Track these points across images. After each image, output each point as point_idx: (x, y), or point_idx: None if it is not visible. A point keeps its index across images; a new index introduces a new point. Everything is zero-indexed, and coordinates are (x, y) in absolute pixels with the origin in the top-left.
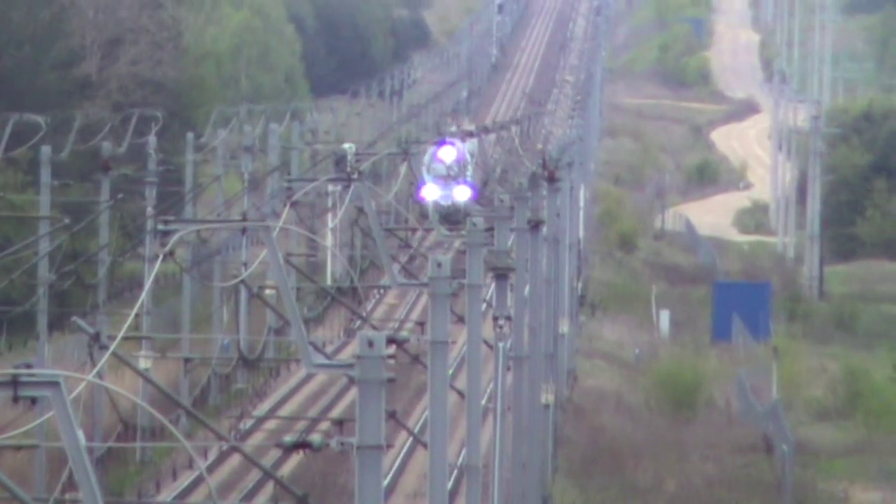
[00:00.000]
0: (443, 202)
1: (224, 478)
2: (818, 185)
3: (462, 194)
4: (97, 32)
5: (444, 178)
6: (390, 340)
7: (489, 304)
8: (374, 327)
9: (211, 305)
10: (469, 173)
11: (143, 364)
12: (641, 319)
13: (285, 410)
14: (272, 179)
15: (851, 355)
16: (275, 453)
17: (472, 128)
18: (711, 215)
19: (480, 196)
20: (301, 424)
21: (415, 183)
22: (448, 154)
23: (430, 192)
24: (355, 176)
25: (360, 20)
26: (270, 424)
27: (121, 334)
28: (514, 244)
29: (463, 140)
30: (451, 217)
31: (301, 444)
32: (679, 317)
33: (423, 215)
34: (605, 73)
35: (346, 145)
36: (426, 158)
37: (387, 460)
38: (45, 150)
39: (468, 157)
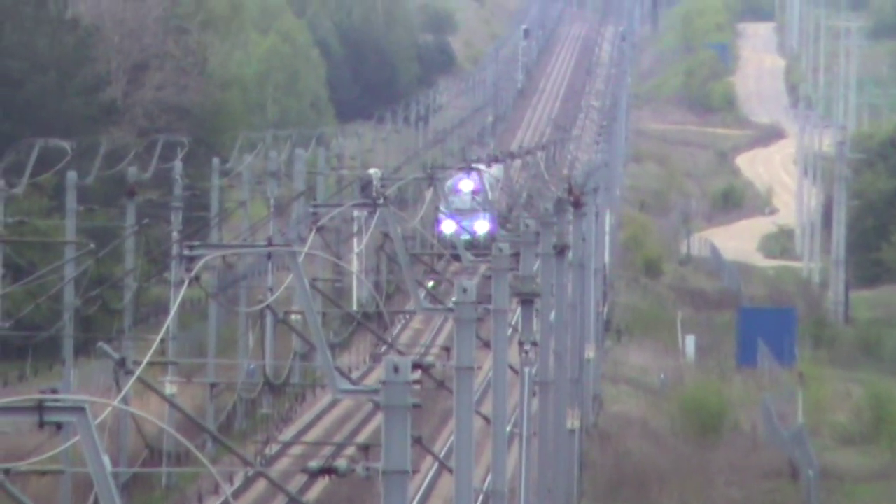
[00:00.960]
0: (462, 237)
1: (249, 503)
2: (844, 210)
3: (481, 228)
4: (122, 58)
5: (463, 212)
6: (416, 366)
7: (515, 330)
8: (399, 353)
9: (236, 331)
10: (488, 205)
11: (168, 389)
12: (667, 345)
13: (311, 436)
14: (298, 204)
15: (877, 380)
16: (300, 478)
17: (495, 154)
18: (736, 240)
19: (500, 226)
20: (327, 450)
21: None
22: (467, 185)
23: (450, 228)
24: (381, 201)
25: (386, 46)
26: (296, 450)
27: (146, 359)
28: (539, 269)
29: (489, 165)
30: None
31: (327, 470)
32: (704, 342)
33: (450, 246)
34: (631, 98)
35: (371, 170)
36: (445, 191)
37: (412, 486)
38: (71, 175)
39: (488, 188)
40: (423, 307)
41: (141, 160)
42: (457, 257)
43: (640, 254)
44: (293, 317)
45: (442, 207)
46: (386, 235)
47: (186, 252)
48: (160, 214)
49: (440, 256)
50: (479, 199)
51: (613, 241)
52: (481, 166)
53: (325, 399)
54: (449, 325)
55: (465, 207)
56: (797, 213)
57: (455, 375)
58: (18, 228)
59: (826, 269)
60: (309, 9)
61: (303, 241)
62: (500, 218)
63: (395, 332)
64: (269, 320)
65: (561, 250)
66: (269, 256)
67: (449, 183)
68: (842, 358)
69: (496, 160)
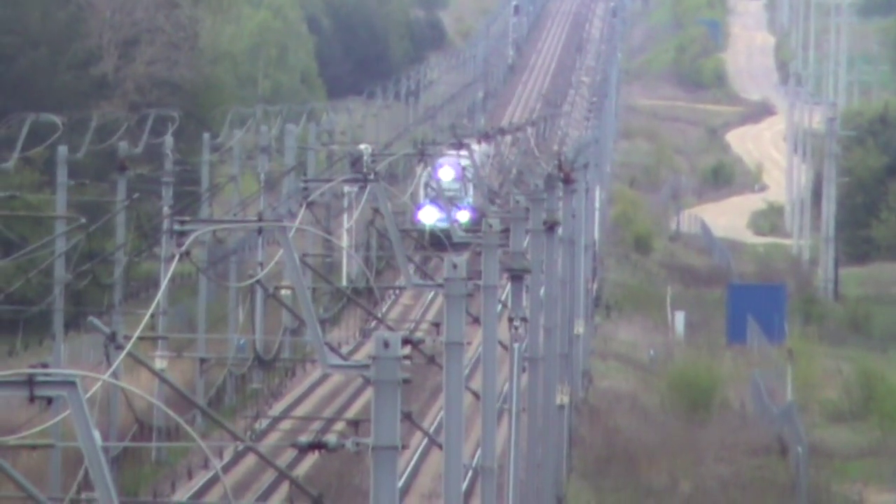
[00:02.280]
0: (440, 224)
1: (239, 478)
2: (833, 187)
3: (462, 217)
4: (113, 33)
5: (443, 201)
6: (406, 341)
7: (504, 306)
8: (389, 328)
9: (227, 305)
10: (469, 194)
11: (158, 364)
12: (656, 321)
13: (301, 411)
14: (288, 180)
15: (866, 357)
16: (290, 453)
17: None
18: (726, 217)
19: (480, 215)
20: (316, 425)
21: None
22: (447, 174)
23: (428, 216)
24: (371, 177)
25: (377, 21)
26: (286, 424)
27: (136, 334)
28: (529, 245)
29: (479, 142)
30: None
31: (316, 445)
32: (694, 318)
33: (419, 237)
34: (621, 74)
35: (362, 146)
36: (424, 178)
37: (402, 461)
38: (62, 149)
39: (467, 175)
40: (413, 283)
41: (132, 135)
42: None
43: (629, 230)
44: (283, 292)
45: (421, 197)
46: (376, 211)
47: (177, 227)
48: (151, 189)
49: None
50: (458, 186)
51: (603, 218)
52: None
53: (315, 374)
54: (439, 301)
55: (445, 195)
56: (787, 190)
57: (445, 351)
58: (9, 203)
59: (816, 246)
60: None
61: (293, 216)
62: (482, 204)
63: (384, 307)
64: (259, 295)
65: (551, 226)
66: (259, 231)
67: (428, 170)
68: (831, 335)
69: (486, 136)
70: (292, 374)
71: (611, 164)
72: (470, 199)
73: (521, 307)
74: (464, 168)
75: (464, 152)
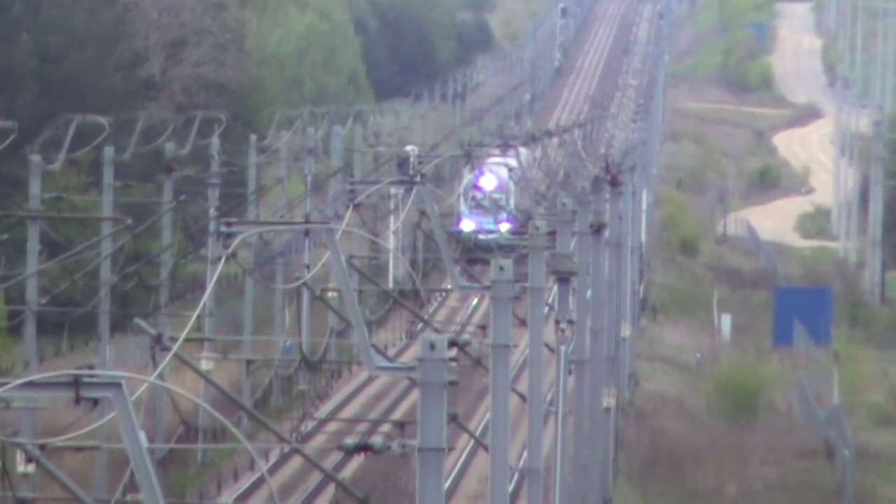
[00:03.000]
0: (482, 236)
1: (285, 480)
2: (880, 190)
3: (503, 228)
4: (160, 34)
5: (485, 210)
6: (452, 343)
7: (551, 308)
8: (435, 330)
9: (273, 307)
10: (511, 203)
11: (204, 366)
12: (703, 324)
13: (347, 412)
14: (335, 181)
15: None
16: (336, 455)
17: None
18: (773, 220)
19: (521, 225)
20: (362, 427)
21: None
22: (489, 182)
23: (468, 225)
24: (418, 178)
25: (424, 23)
26: (332, 426)
27: (183, 336)
28: (576, 248)
29: (525, 145)
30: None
31: (362, 447)
32: (740, 321)
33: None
34: (668, 77)
35: (408, 148)
36: (464, 187)
37: (448, 463)
38: (108, 151)
39: (511, 185)
40: (460, 285)
41: (178, 136)
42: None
43: (676, 232)
44: (329, 294)
45: (462, 206)
46: (423, 213)
47: (223, 228)
48: (197, 191)
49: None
50: (501, 196)
51: (650, 220)
52: (513, 149)
53: (361, 376)
54: (485, 304)
55: (487, 205)
56: (834, 193)
57: (491, 353)
58: (55, 204)
59: (862, 249)
60: None
61: (340, 217)
62: (528, 205)
63: (431, 309)
64: (305, 297)
65: (598, 229)
66: (306, 233)
67: (469, 178)
68: (878, 338)
69: (532, 139)
70: (338, 375)
71: (657, 166)
72: (512, 211)
73: (567, 309)
74: (510, 170)
75: (507, 159)
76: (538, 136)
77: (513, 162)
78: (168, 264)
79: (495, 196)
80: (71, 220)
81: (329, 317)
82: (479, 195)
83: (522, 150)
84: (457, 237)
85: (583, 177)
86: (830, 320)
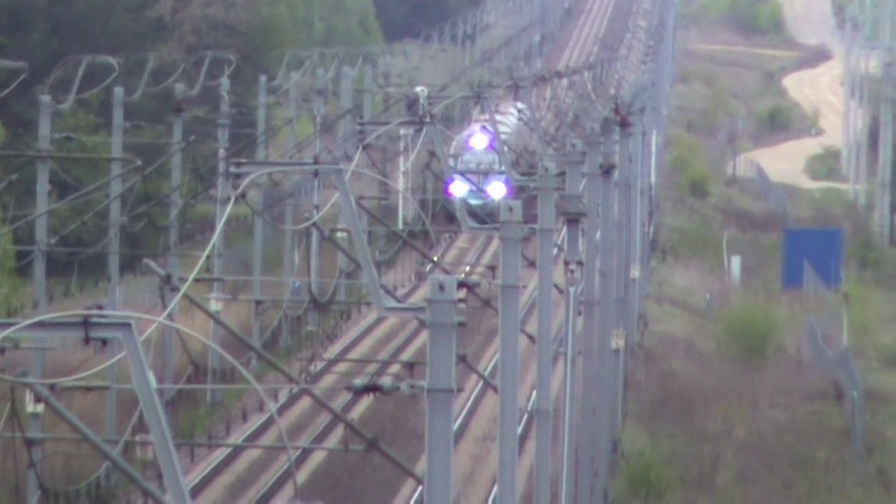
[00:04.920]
0: (473, 200)
1: (294, 420)
2: (890, 131)
3: (497, 191)
4: None
5: (476, 173)
6: (461, 284)
7: (560, 249)
8: (445, 271)
9: (282, 248)
10: (503, 164)
11: (214, 306)
12: (712, 265)
13: (356, 353)
14: (344, 122)
15: None
16: (345, 396)
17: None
18: (783, 162)
19: (516, 191)
20: (371, 367)
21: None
22: (480, 142)
23: (459, 189)
24: (427, 119)
25: None
26: (341, 367)
27: (192, 276)
28: (585, 189)
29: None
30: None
31: (371, 387)
32: (750, 263)
33: (449, 215)
34: (678, 18)
35: (418, 89)
36: (455, 147)
37: (457, 404)
38: (118, 91)
39: (497, 150)
40: (469, 226)
41: (188, 77)
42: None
43: (686, 174)
44: (339, 234)
45: (453, 163)
46: (432, 154)
47: (233, 169)
48: (207, 131)
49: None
50: (493, 156)
51: (660, 162)
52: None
53: (371, 317)
54: (494, 246)
55: (479, 166)
56: (843, 135)
57: (500, 294)
58: (65, 145)
59: (872, 191)
60: None
61: (349, 158)
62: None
63: (440, 250)
64: (314, 238)
65: (607, 170)
66: (315, 174)
67: (460, 138)
68: (887, 279)
69: (542, 79)
70: (347, 316)
71: (667, 108)
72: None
73: (576, 251)
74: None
75: (499, 117)
76: (548, 77)
77: (510, 119)
78: (177, 205)
79: (487, 158)
80: (80, 160)
81: (338, 257)
82: (469, 157)
83: (518, 105)
84: (445, 205)
85: (592, 118)
86: (840, 262)
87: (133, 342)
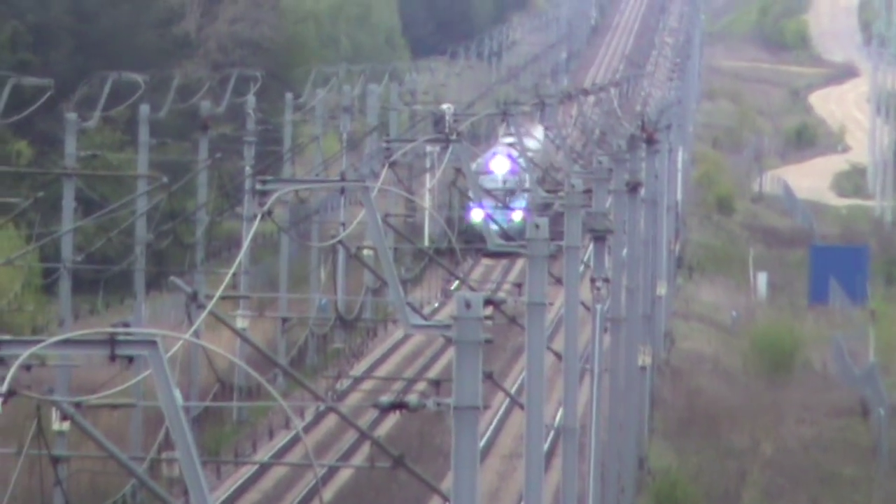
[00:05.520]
0: (492, 225)
1: (320, 438)
2: None
3: (516, 216)
4: None
5: (496, 197)
6: (488, 301)
7: (587, 266)
8: (471, 288)
9: (308, 265)
10: (525, 187)
11: (240, 323)
12: (738, 282)
13: (382, 371)
14: (370, 140)
15: None
16: (371, 414)
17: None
18: (809, 178)
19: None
20: (398, 385)
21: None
22: (501, 165)
23: (478, 215)
24: (454, 137)
25: None
26: (367, 385)
27: (218, 293)
28: (612, 206)
29: (561, 103)
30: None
31: (398, 405)
32: (776, 280)
33: (469, 237)
34: (704, 35)
35: (444, 106)
36: (475, 170)
37: (483, 421)
38: (144, 108)
39: (523, 169)
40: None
41: (214, 94)
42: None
43: (712, 191)
44: (365, 252)
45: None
46: (458, 171)
47: (259, 186)
48: (233, 148)
49: (511, 193)
50: (514, 181)
51: (686, 178)
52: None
53: (397, 334)
54: (520, 263)
55: (498, 190)
56: (870, 152)
57: (527, 311)
58: (91, 162)
59: None
60: None
61: (375, 176)
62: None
63: (466, 267)
64: (341, 255)
65: (634, 187)
66: (341, 191)
67: (479, 161)
68: None
69: (569, 97)
70: (374, 334)
71: (693, 124)
72: (524, 199)
73: (603, 268)
74: (518, 156)
75: (524, 140)
76: (574, 95)
77: (532, 143)
78: (203, 222)
79: (508, 183)
80: (106, 177)
81: (364, 275)
82: (489, 181)
83: (539, 129)
84: (466, 231)
85: (619, 135)
86: (866, 278)
87: (159, 359)
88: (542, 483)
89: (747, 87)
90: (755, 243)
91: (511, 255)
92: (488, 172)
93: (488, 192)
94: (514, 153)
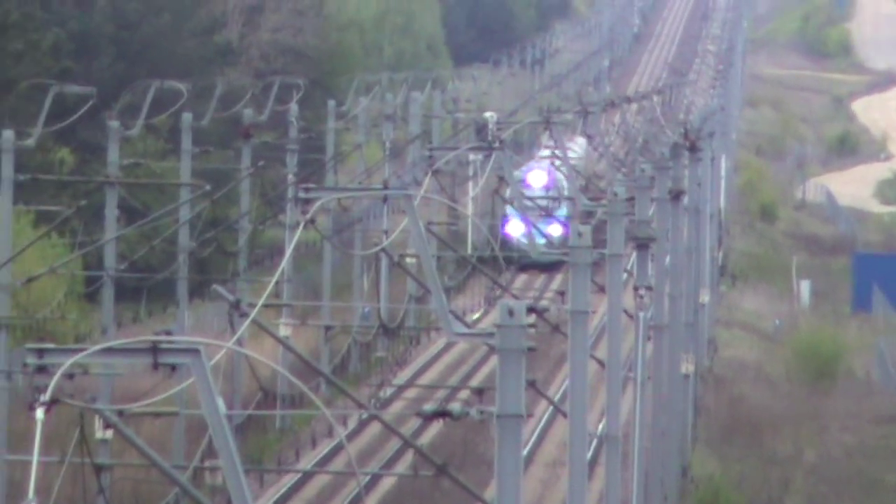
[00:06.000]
0: (526, 240)
1: (363, 446)
2: None
3: (554, 230)
4: None
5: (539, 206)
6: (531, 310)
7: (630, 274)
8: (514, 296)
9: (351, 273)
10: (562, 203)
11: (283, 332)
12: (781, 290)
13: (425, 379)
14: (413, 148)
15: None
16: (414, 422)
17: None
18: (852, 186)
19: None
20: (441, 393)
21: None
22: (538, 179)
23: (516, 229)
24: (496, 144)
25: None
26: (410, 393)
27: (261, 302)
28: (655, 214)
29: (604, 111)
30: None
31: (441, 413)
32: (819, 287)
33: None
34: (747, 43)
35: (487, 114)
36: (512, 183)
37: (526, 429)
38: (186, 117)
39: (561, 182)
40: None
41: (257, 102)
42: (523, 267)
43: (755, 199)
44: (408, 260)
45: (509, 206)
46: (501, 179)
47: (302, 194)
48: (276, 157)
49: (555, 200)
50: (552, 194)
51: (729, 186)
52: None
53: (440, 342)
54: (561, 275)
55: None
56: None
57: (570, 319)
58: (133, 170)
59: None
60: None
61: (418, 184)
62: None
63: (509, 276)
64: (384, 263)
65: (676, 195)
66: (384, 199)
67: (517, 174)
68: None
69: (612, 104)
70: (417, 342)
71: (736, 132)
72: (564, 211)
73: (646, 276)
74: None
75: (568, 144)
76: (617, 102)
77: (572, 153)
78: (246, 230)
79: (546, 196)
80: (149, 186)
81: (407, 283)
82: (527, 192)
83: (581, 139)
84: (503, 246)
85: (661, 143)
86: None
87: (202, 368)
88: (585, 491)
89: (790, 95)
90: (798, 251)
91: (549, 270)
92: (526, 186)
93: (531, 200)
94: (551, 166)
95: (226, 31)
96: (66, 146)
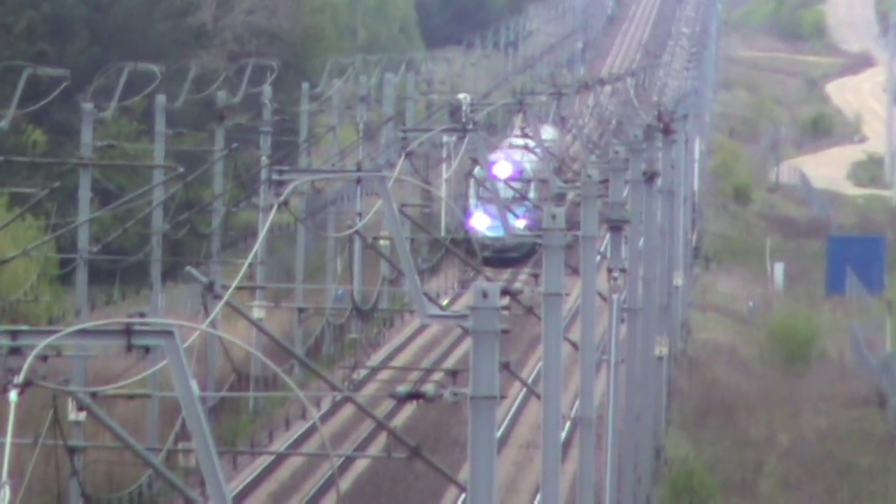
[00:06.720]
0: (491, 233)
1: (337, 428)
2: None
3: (518, 224)
4: None
5: (497, 205)
6: (504, 292)
7: (604, 257)
8: (488, 278)
9: (325, 255)
10: (530, 195)
11: (256, 314)
12: (755, 272)
13: (399, 361)
14: (387, 130)
15: None
16: (388, 404)
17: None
18: (826, 168)
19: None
20: (414, 375)
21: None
22: (503, 170)
23: (481, 222)
24: (470, 126)
25: None
26: (384, 375)
27: (234, 284)
28: (628, 196)
29: (577, 92)
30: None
31: (414, 395)
32: (793, 270)
33: (469, 250)
34: (721, 25)
35: (460, 96)
36: (478, 172)
37: (500, 411)
38: (160, 99)
39: (528, 171)
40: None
41: (230, 84)
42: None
43: (729, 181)
44: (382, 242)
45: (472, 198)
46: (475, 161)
47: (275, 176)
48: (249, 139)
49: (529, 182)
50: (517, 186)
51: (703, 168)
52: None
53: (413, 324)
54: (537, 254)
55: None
56: (887, 141)
57: (543, 302)
58: (107, 152)
59: None
60: None
61: (392, 166)
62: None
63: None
64: (357, 245)
65: (650, 177)
66: (358, 181)
67: (479, 169)
68: None
69: (585, 86)
70: (390, 324)
71: (710, 114)
72: (528, 205)
73: (619, 258)
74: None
75: (528, 143)
76: (591, 84)
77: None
78: (219, 212)
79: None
80: (122, 168)
81: (381, 265)
82: (489, 186)
83: (549, 128)
84: (465, 238)
85: (635, 125)
86: (883, 269)
87: (176, 350)
88: (558, 473)
89: (764, 77)
90: (772, 233)
91: (512, 264)
92: (491, 177)
93: (506, 184)
94: (518, 157)
95: (199, 13)
96: (40, 128)
